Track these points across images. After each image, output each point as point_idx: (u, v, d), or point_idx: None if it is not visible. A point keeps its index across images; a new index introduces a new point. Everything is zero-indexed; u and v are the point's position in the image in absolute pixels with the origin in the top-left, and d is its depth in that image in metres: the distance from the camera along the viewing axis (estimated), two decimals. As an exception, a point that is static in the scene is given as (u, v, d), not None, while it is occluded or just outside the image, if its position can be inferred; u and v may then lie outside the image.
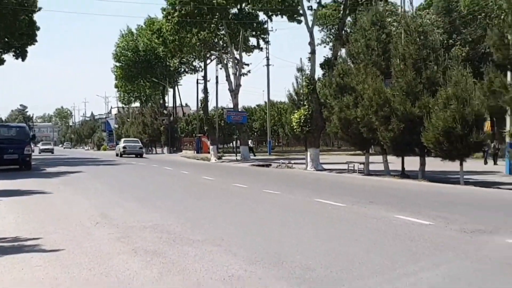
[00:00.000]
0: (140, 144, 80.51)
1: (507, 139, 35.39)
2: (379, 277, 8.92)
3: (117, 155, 76.62)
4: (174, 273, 9.35)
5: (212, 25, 56.82)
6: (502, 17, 37.16)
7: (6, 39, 49.26)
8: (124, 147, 75.91)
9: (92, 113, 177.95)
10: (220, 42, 62.94)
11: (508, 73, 25.10)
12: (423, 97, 29.08)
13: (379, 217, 15.66)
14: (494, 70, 25.13)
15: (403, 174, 33.04)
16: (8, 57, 51.67)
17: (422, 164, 31.72)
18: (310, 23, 44.12)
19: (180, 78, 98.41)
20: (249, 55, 66.38)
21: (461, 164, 28.87)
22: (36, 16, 52.44)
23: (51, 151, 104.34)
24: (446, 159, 28.70)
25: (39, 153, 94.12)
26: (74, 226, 14.63)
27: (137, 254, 10.92)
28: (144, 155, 76.33)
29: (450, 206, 18.56)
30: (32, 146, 47.45)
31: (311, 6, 45.42)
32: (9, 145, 40.17)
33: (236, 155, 60.09)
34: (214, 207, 19.08)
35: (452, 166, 29.59)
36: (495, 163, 44.30)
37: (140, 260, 10.41)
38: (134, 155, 72.94)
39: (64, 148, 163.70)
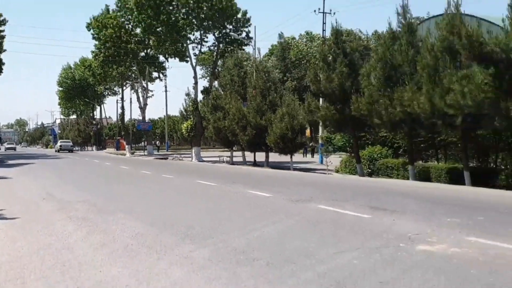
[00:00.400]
0: (71, 143, 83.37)
1: (320, 141, 36.84)
2: (237, 232, 9.06)
3: (56, 151, 79.12)
4: (97, 233, 9.22)
5: (127, 63, 56.84)
6: (316, 62, 38.35)
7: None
8: (60, 146, 79.01)
9: (42, 122, 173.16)
10: (133, 75, 62.85)
11: (321, 99, 25.97)
12: (267, 114, 29.89)
13: (238, 192, 15.94)
14: (311, 97, 25.87)
15: (255, 163, 33.75)
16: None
17: (267, 157, 32.56)
18: (194, 64, 44.45)
19: (105, 99, 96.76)
20: (152, 84, 66.97)
21: (291, 157, 29.86)
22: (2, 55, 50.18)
23: (14, 149, 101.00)
24: (282, 153, 29.61)
25: (5, 150, 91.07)
26: (28, 201, 14.29)
27: (71, 220, 10.75)
28: (79, 152, 76.74)
29: (283, 184, 19.04)
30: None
31: (195, 53, 46.10)
32: None
33: (144, 152, 60.20)
34: (128, 187, 18.86)
35: (286, 158, 30.45)
36: (312, 156, 45.68)
37: (74, 224, 10.24)
38: (67, 151, 75.13)
39: (22, 147, 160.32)
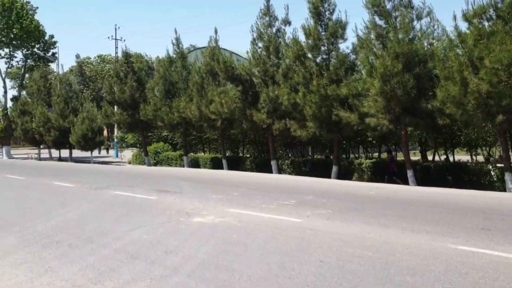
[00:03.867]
0: None
1: (115, 139, 34.88)
2: (42, 218, 7.80)
3: None
4: None
5: None
6: (110, 78, 36.24)
7: None
8: None
9: None
10: None
11: (115, 107, 24.44)
12: (70, 117, 27.25)
13: (45, 183, 13.97)
14: (107, 105, 24.31)
15: (60, 159, 30.59)
16: None
17: (70, 153, 29.79)
18: (3, 75, 38.53)
19: None
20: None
21: (91, 153, 27.61)
22: None
23: None
24: (84, 150, 27.25)
25: None
26: None
27: None
28: None
29: (85, 175, 17.25)
30: None
31: (6, 66, 40.08)
32: None
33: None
34: None
35: (87, 154, 28.13)
36: (107, 153, 43.21)
37: None
38: None
39: None
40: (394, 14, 12.81)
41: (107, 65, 64.13)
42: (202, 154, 24.80)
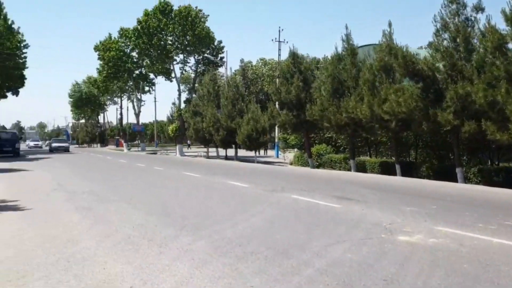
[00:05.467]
0: (66, 143, 54.76)
1: (276, 140, 35.42)
2: (227, 221, 7.50)
3: (50, 150, 50.33)
4: (100, 223, 7.47)
5: (124, 79, 54.25)
6: (274, 79, 36.91)
7: (7, 84, 43.74)
8: (53, 145, 50.57)
9: (58, 125, 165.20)
10: (129, 88, 59.73)
11: (276, 105, 24.47)
12: (237, 119, 28.38)
13: (220, 182, 14.24)
14: (273, 105, 24.48)
15: (226, 157, 32.08)
16: (9, 94, 45.85)
17: (236, 152, 30.97)
18: (178, 80, 42.54)
19: (107, 107, 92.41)
20: (144, 95, 63.52)
21: (255, 153, 28.27)
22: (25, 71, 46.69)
23: (40, 146, 75.63)
24: (248, 150, 28.08)
25: (30, 148, 69.95)
26: (40, 192, 12.13)
27: (77, 210, 8.87)
28: (86, 148, 68.66)
29: (254, 175, 17.46)
30: (20, 143, 42.33)
31: (179, 72, 44.10)
32: (6, 142, 36.40)
33: (138, 148, 57.43)
34: (126, 179, 16.82)
35: (249, 153, 28.98)
36: (265, 153, 44.31)
37: (79, 214, 8.41)
38: (63, 151, 48.36)
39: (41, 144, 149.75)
40: None
41: (266, 67, 66.56)
42: (368, 157, 23.27)
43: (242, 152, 31.29)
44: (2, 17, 40.37)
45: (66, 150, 49.38)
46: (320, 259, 5.09)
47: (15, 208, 9.16)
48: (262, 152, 44.00)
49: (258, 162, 28.30)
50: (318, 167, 23.53)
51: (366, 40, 48.15)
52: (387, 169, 19.01)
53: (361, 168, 20.67)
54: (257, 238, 6.18)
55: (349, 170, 20.52)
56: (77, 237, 6.44)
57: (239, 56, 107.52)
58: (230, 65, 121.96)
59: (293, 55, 23.06)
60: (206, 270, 4.77)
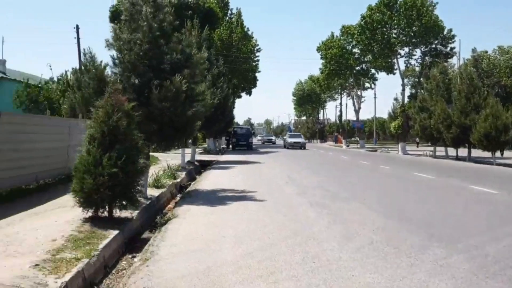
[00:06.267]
0: (303, 139, 49.27)
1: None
2: (483, 236, 6.34)
3: (284, 146, 46.99)
4: (338, 223, 7.21)
5: (345, 76, 54.92)
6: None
7: (242, 85, 49.33)
8: (289, 142, 45.75)
9: (282, 122, 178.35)
10: (349, 85, 60.34)
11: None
12: (471, 115, 25.38)
13: (460, 187, 12.55)
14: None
15: (457, 158, 29.01)
16: (243, 94, 51.80)
17: (469, 152, 27.76)
18: (402, 74, 40.63)
19: (326, 104, 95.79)
20: (365, 91, 62.96)
21: (493, 154, 24.85)
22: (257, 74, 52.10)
23: (274, 142, 72.01)
24: (485, 150, 25.00)
25: (262, 143, 69.10)
26: (273, 184, 12.91)
27: (312, 206, 8.89)
28: (306, 143, 67.38)
29: (500, 180, 14.93)
30: (253, 138, 47.07)
31: (403, 66, 42.13)
32: (241, 137, 40.79)
33: (357, 145, 57.00)
34: (352, 175, 16.61)
35: (484, 154, 25.61)
36: (501, 154, 38.37)
37: (314, 210, 8.39)
38: (298, 148, 43.58)
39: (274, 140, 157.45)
40: None
41: (504, 56, 57.76)
42: None
43: (475, 153, 27.74)
44: (239, 24, 45.47)
45: (302, 147, 44.12)
46: None
47: (253, 199, 9.81)
48: (498, 153, 38.50)
49: (498, 164, 24.56)
50: None
51: None
52: None
53: None
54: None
55: None
56: (318, 235, 6.30)
57: (472, 45, 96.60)
58: (463, 55, 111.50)
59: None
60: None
